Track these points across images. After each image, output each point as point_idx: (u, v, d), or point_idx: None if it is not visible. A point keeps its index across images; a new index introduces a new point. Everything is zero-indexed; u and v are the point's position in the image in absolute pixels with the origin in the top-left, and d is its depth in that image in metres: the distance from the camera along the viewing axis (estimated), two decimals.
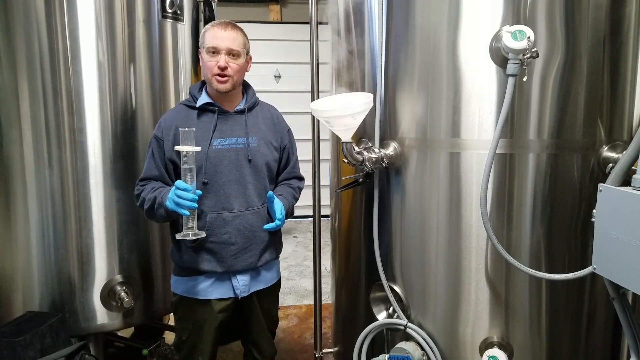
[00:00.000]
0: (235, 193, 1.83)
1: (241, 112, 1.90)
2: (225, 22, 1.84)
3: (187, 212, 1.66)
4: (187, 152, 1.68)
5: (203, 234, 1.76)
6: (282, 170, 2.03)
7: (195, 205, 1.67)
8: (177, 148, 1.71)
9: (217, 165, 1.82)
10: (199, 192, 1.71)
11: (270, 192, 1.86)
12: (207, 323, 1.91)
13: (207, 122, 1.84)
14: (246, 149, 1.85)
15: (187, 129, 1.69)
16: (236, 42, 1.81)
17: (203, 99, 1.86)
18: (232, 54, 1.80)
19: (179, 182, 1.66)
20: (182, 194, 1.63)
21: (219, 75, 1.79)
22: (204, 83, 1.92)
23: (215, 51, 1.79)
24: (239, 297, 1.90)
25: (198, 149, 1.70)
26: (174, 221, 1.89)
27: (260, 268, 1.95)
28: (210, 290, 1.88)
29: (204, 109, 1.85)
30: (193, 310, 1.90)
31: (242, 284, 1.90)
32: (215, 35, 1.79)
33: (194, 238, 1.73)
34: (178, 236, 1.72)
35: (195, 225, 1.74)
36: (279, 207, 1.84)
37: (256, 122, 1.93)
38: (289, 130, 2.06)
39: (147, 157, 1.87)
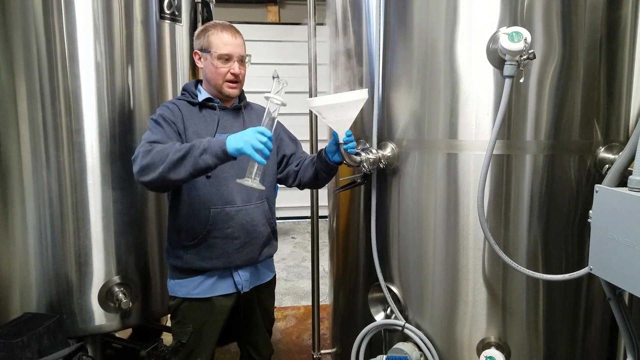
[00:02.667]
0: (237, 187, 1.83)
1: (238, 108, 1.94)
2: (231, 26, 1.86)
3: (264, 161, 1.56)
4: (277, 101, 1.60)
5: (262, 187, 1.65)
6: (290, 155, 2.00)
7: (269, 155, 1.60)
8: (268, 95, 1.60)
9: None
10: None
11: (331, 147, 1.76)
12: (208, 324, 1.91)
13: (209, 117, 1.87)
14: None
15: (284, 81, 1.61)
16: (244, 48, 1.87)
17: (204, 94, 1.89)
18: (241, 60, 1.85)
19: (263, 129, 1.56)
20: (267, 141, 1.55)
21: (231, 81, 1.83)
22: (198, 82, 1.95)
23: (228, 58, 1.81)
24: (242, 291, 1.92)
25: (286, 103, 1.63)
26: (172, 223, 1.88)
27: (258, 264, 1.97)
28: (213, 287, 1.89)
29: (204, 105, 1.88)
30: (195, 312, 1.90)
31: (243, 279, 1.92)
32: (226, 42, 1.80)
33: (254, 185, 1.60)
34: (238, 180, 1.61)
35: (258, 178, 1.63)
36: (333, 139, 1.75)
37: (251, 118, 1.96)
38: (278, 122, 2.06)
39: (152, 127, 1.75)
